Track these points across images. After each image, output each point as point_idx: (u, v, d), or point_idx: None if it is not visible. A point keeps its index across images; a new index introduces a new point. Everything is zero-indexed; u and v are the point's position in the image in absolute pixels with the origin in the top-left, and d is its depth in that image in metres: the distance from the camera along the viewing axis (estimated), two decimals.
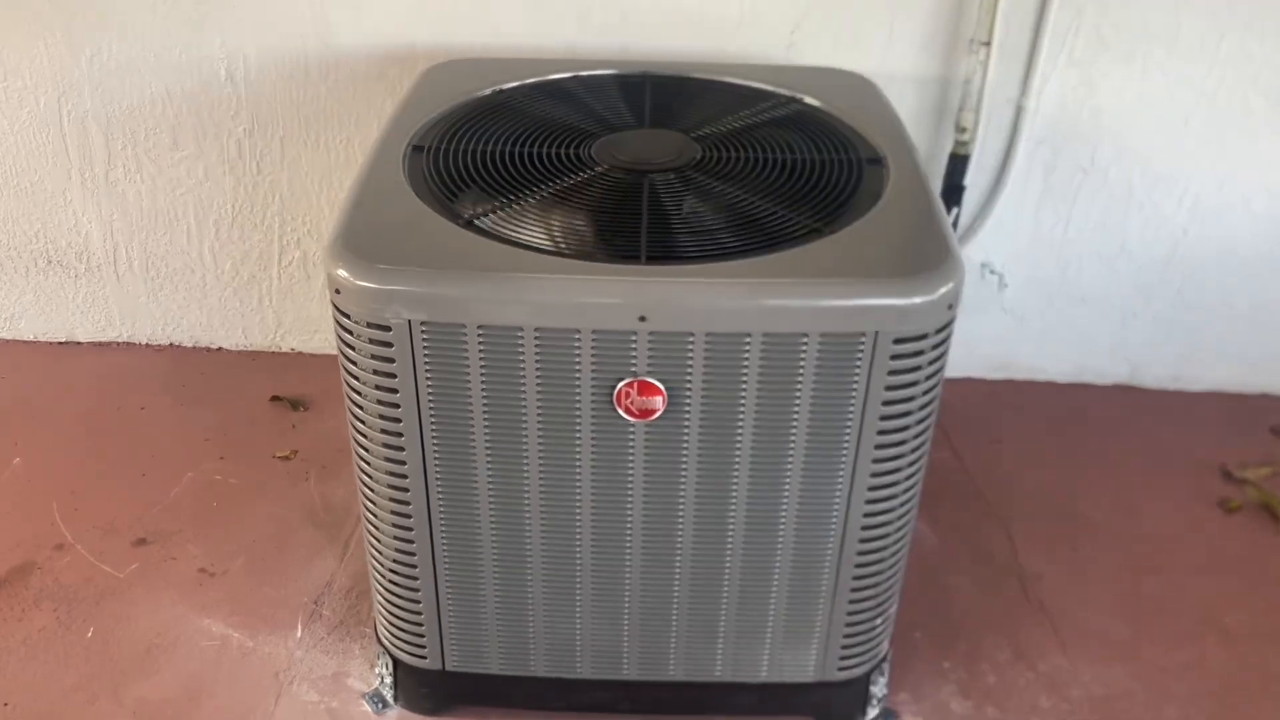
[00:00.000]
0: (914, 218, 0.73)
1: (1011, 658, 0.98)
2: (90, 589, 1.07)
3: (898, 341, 0.63)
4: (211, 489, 1.21)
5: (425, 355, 0.65)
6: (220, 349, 1.46)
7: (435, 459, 0.71)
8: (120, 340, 1.46)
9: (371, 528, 0.80)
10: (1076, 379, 1.41)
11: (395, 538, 0.78)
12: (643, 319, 0.63)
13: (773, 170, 0.78)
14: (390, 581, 0.82)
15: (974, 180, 1.19)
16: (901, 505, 0.76)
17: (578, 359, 0.66)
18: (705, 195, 0.74)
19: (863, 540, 0.75)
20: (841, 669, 0.85)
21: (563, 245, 0.67)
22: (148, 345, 1.46)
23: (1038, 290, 1.32)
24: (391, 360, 0.65)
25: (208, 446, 1.28)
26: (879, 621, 0.84)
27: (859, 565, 0.78)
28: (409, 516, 0.75)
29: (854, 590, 0.79)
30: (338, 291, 0.65)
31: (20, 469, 1.25)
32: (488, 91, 0.97)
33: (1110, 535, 1.14)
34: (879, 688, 0.89)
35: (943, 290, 0.63)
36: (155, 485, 1.22)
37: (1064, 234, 1.26)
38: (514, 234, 0.68)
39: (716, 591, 0.80)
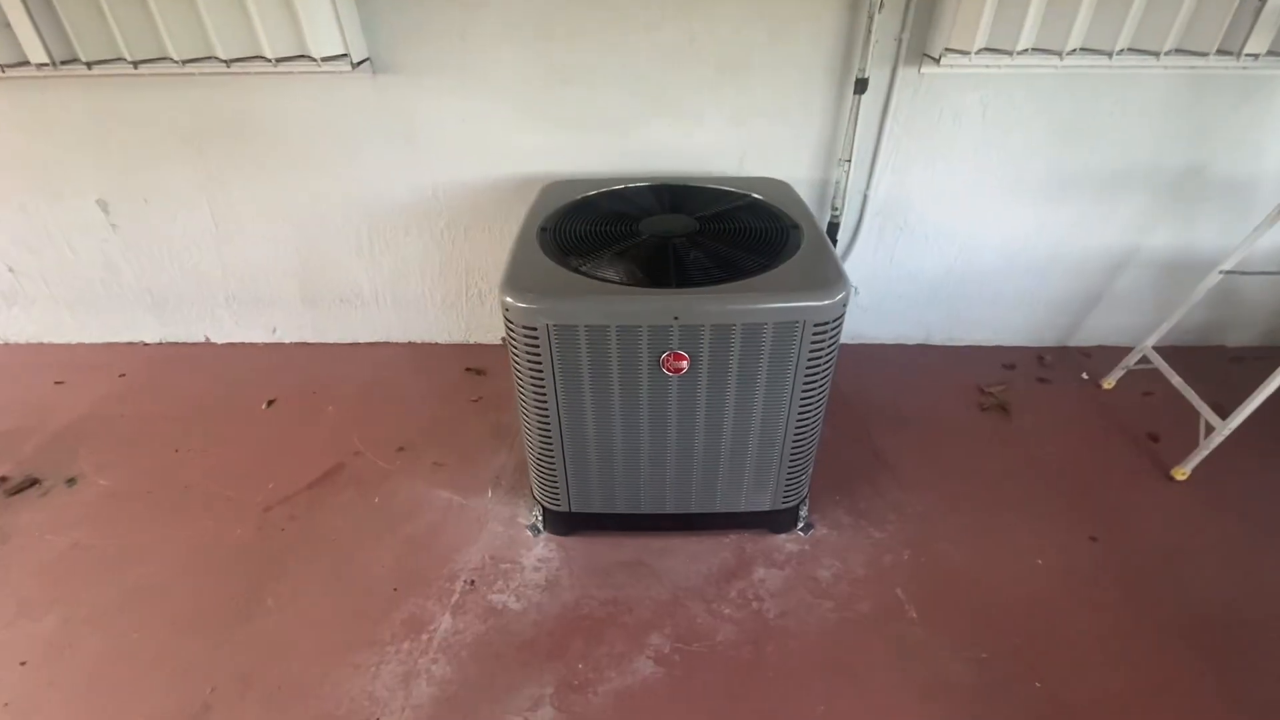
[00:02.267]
0: (819, 257, 1.36)
1: (871, 493, 1.81)
2: (375, 474, 1.91)
3: (816, 325, 1.24)
4: (437, 419, 2.10)
5: (555, 342, 1.26)
6: (437, 343, 2.44)
7: (562, 396, 1.34)
8: (382, 340, 2.45)
9: (528, 432, 1.45)
10: (895, 341, 2.39)
11: (540, 438, 1.43)
12: (676, 318, 1.23)
13: (740, 234, 1.45)
14: (539, 461, 1.50)
15: (841, 237, 2.02)
16: (816, 410, 1.41)
17: (640, 341, 1.25)
18: (704, 249, 1.39)
19: (795, 431, 1.41)
20: (784, 502, 1.58)
21: (627, 280, 1.26)
22: (396, 342, 2.45)
23: (875, 295, 2.24)
24: (538, 346, 1.25)
25: (433, 397, 2.19)
26: (804, 476, 1.56)
27: (793, 445, 1.44)
28: (549, 428, 1.40)
29: (791, 459, 1.47)
30: (507, 310, 1.24)
31: (332, 413, 2.16)
32: (579, 197, 1.64)
33: (920, 423, 2.04)
34: (803, 511, 1.66)
35: (838, 297, 1.24)
36: (408, 418, 2.11)
37: (889, 263, 2.15)
38: (600, 275, 1.27)
39: (716, 461, 1.47)
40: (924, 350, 2.35)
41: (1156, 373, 2.00)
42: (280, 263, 2.22)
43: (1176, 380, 1.90)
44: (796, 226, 1.50)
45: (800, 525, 1.65)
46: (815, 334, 1.26)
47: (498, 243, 2.18)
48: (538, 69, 1.82)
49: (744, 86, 1.83)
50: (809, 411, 1.40)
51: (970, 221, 2.08)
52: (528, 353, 1.30)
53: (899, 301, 2.26)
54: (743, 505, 1.57)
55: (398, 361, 2.32)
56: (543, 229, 1.49)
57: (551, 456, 1.48)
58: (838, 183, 1.96)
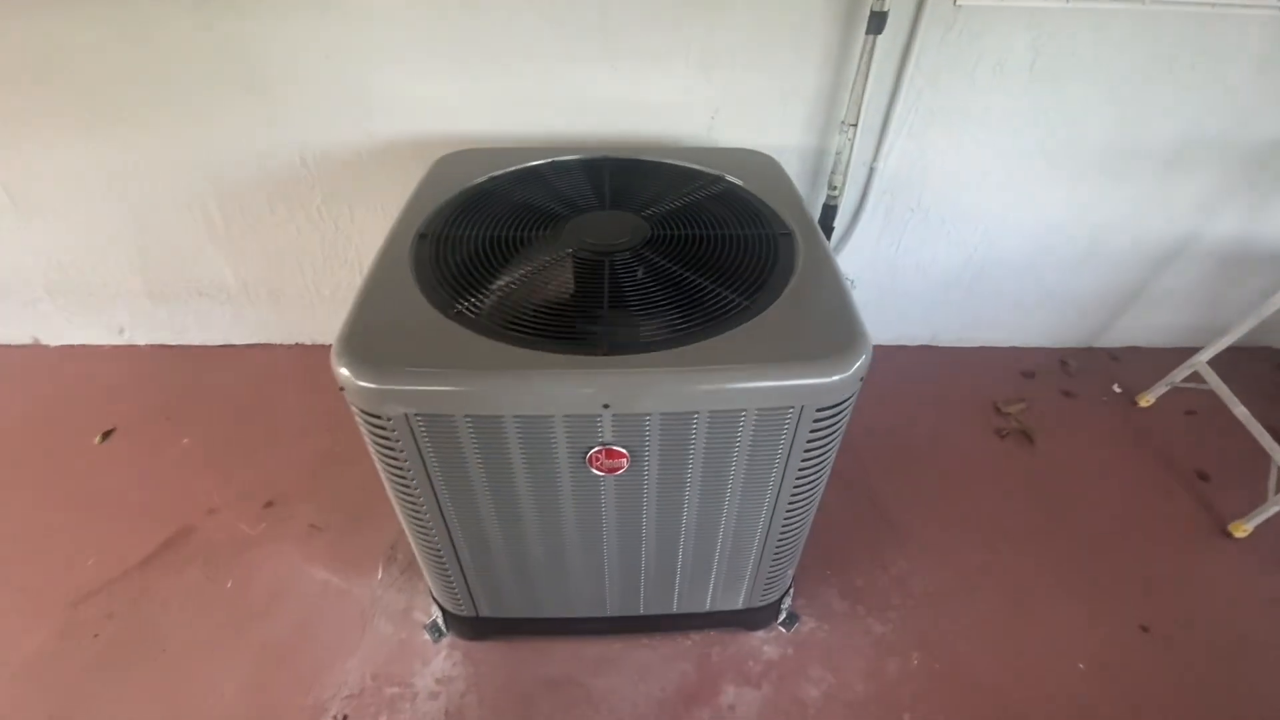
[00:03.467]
0: (824, 292, 0.89)
1: (870, 563, 1.39)
2: (231, 546, 1.43)
3: (820, 410, 0.81)
4: (322, 458, 1.63)
5: (424, 436, 0.81)
6: (331, 346, 1.79)
7: (445, 497, 0.91)
8: (262, 342, 1.94)
9: (413, 535, 1.02)
10: (896, 343, 1.98)
11: (422, 543, 1.03)
12: (606, 406, 0.78)
13: (707, 246, 0.97)
14: (433, 571, 1.09)
15: (838, 219, 1.57)
16: (809, 504, 0.99)
17: (553, 436, 0.81)
18: (654, 273, 0.92)
19: (782, 528, 1.02)
20: (762, 599, 1.19)
21: (537, 332, 0.81)
22: (282, 345, 1.94)
23: (876, 288, 1.82)
24: (396, 441, 0.82)
25: (321, 424, 1.71)
26: (789, 570, 1.18)
27: (779, 542, 1.05)
28: (430, 534, 0.99)
29: (773, 559, 1.09)
30: (342, 389, 0.77)
31: (187, 447, 1.67)
32: (481, 180, 1.16)
33: (928, 458, 1.66)
34: (787, 601, 1.27)
35: (856, 366, 0.79)
36: (284, 456, 1.63)
37: (895, 252, 1.72)
38: (496, 323, 0.82)
39: (672, 566, 1.08)
40: (929, 353, 1.96)
41: (1202, 388, 1.66)
42: (111, 247, 1.68)
43: (1241, 411, 1.55)
44: (788, 234, 1.05)
45: (782, 619, 1.28)
46: (817, 421, 0.85)
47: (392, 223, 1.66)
48: None
49: (717, 18, 1.32)
50: (800, 504, 1.00)
51: (1000, 203, 1.64)
52: (381, 450, 0.86)
53: (904, 298, 1.84)
54: (709, 606, 1.19)
55: (279, 370, 1.84)
56: (421, 235, 1.02)
57: (442, 563, 1.06)
58: (839, 153, 1.49)
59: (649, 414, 0.81)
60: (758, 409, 0.81)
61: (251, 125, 1.47)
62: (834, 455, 0.95)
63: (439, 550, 1.03)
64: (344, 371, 0.78)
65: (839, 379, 0.80)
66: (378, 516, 1.45)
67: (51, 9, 1.30)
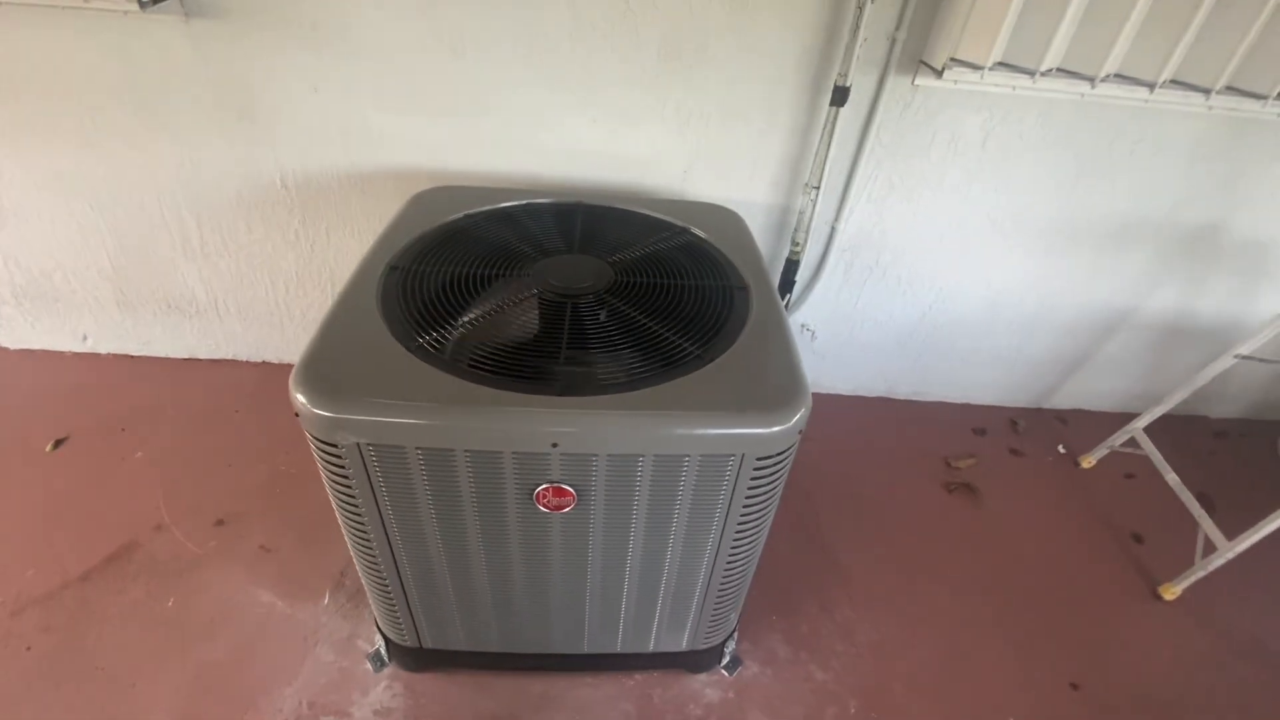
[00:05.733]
0: (772, 346, 0.94)
1: (816, 610, 1.40)
2: (177, 564, 1.40)
3: (759, 459, 0.85)
4: (276, 478, 1.61)
5: (374, 466, 0.83)
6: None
7: (393, 526, 0.92)
8: (227, 358, 1.94)
9: (360, 563, 1.03)
10: (854, 393, 2.05)
11: (369, 571, 1.03)
12: (555, 445, 0.81)
13: (667, 295, 1.02)
14: (378, 598, 1.09)
15: (800, 273, 1.64)
16: (752, 550, 1.02)
17: (502, 472, 0.84)
18: (615, 317, 0.96)
19: (724, 572, 1.04)
20: (705, 641, 1.20)
21: (495, 370, 0.85)
22: (247, 361, 1.95)
23: (834, 341, 1.89)
24: (347, 469, 0.84)
25: (279, 443, 1.70)
26: (733, 614, 1.19)
27: (721, 586, 1.07)
28: (377, 563, 0.99)
29: (715, 602, 1.11)
30: (297, 414, 0.79)
31: (140, 460, 1.64)
32: (456, 217, 1.20)
33: (879, 507, 1.70)
34: (730, 645, 1.28)
35: (795, 419, 0.83)
36: (239, 473, 1.62)
37: (854, 307, 1.80)
38: (455, 358, 0.85)
39: (616, 610, 1.10)
40: (885, 405, 2.02)
41: (1141, 453, 1.74)
42: (82, 254, 1.69)
43: (1172, 478, 1.62)
44: (744, 287, 1.11)
45: (725, 662, 1.29)
46: (757, 469, 0.88)
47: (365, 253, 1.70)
48: (417, 31, 1.34)
49: (694, 81, 1.40)
50: (742, 549, 1.03)
51: (952, 267, 1.74)
52: (333, 477, 0.88)
53: (861, 351, 1.91)
54: (652, 647, 1.20)
55: (242, 387, 1.83)
56: (392, 268, 1.06)
57: (388, 592, 1.07)
58: (802, 212, 1.57)
59: (595, 454, 0.84)
60: (700, 454, 0.85)
61: (236, 148, 1.50)
62: (775, 505, 0.99)
63: (384, 579, 1.03)
64: (300, 398, 0.81)
65: (778, 430, 0.85)
66: (329, 540, 1.44)
67: (48, 23, 1.34)
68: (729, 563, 1.03)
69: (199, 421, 1.72)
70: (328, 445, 0.83)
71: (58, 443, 1.62)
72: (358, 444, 0.82)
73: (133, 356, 1.90)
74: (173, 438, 1.67)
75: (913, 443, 1.89)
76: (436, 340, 0.90)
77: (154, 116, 1.46)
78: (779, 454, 0.87)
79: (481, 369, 0.86)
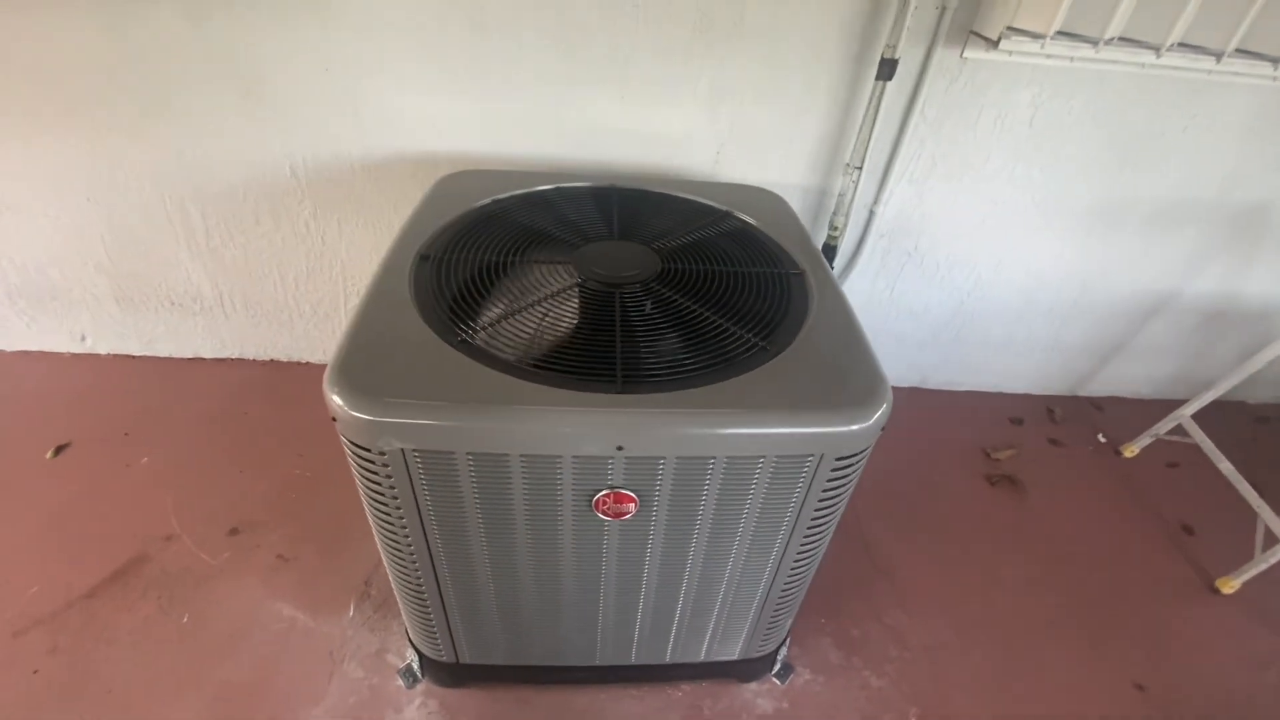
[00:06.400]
0: (841, 336, 0.88)
1: (866, 613, 1.34)
2: (190, 577, 1.32)
3: (839, 459, 0.78)
4: (292, 483, 1.53)
5: (419, 474, 0.75)
6: (308, 364, 1.86)
7: (436, 539, 0.85)
8: (234, 357, 1.85)
9: (396, 576, 0.95)
10: None
11: (406, 586, 0.94)
12: (620, 447, 0.74)
13: (719, 283, 0.94)
14: (413, 613, 1.01)
15: (835, 261, 1.56)
16: (818, 552, 0.95)
17: (559, 477, 0.76)
18: (666, 309, 0.88)
19: (787, 580, 0.98)
20: (759, 649, 1.14)
21: (545, 365, 0.77)
22: (255, 360, 1.85)
23: (869, 329, 1.68)
24: (388, 478, 0.76)
25: (292, 446, 1.62)
26: (789, 619, 1.13)
27: (781, 593, 1.00)
28: (417, 578, 0.92)
29: (775, 608, 1.04)
30: (334, 419, 0.70)
31: (146, 466, 1.55)
32: (486, 202, 1.12)
33: (920, 503, 1.63)
34: (782, 652, 1.21)
35: (877, 415, 0.76)
36: (252, 478, 1.53)
37: (889, 296, 1.72)
38: (501, 353, 0.77)
39: (669, 620, 1.03)
40: (918, 396, 1.96)
41: (1187, 441, 1.67)
42: (78, 249, 1.59)
43: (1225, 466, 1.57)
44: (800, 273, 1.04)
45: (776, 669, 1.23)
46: (835, 470, 0.81)
47: (384, 242, 1.59)
48: (435, 4, 1.25)
49: (729, 54, 1.31)
50: (809, 551, 0.96)
51: (993, 252, 1.66)
52: (371, 487, 0.80)
53: (894, 341, 1.84)
54: (704, 656, 1.14)
55: (251, 387, 1.74)
56: (423, 257, 0.98)
57: (425, 606, 0.99)
58: (842, 195, 1.49)
59: (664, 457, 0.77)
60: (777, 456, 0.78)
61: (241, 132, 1.41)
62: (846, 503, 0.92)
63: (422, 592, 0.96)
64: (337, 400, 0.73)
65: (860, 428, 0.77)
66: (352, 547, 1.36)
67: (37, 3, 1.24)
68: (794, 565, 0.96)
69: (207, 424, 1.63)
70: (366, 452, 0.75)
71: (59, 449, 1.53)
72: (402, 450, 0.74)
73: (134, 357, 1.81)
74: (180, 442, 1.58)
75: (949, 434, 1.82)
76: (479, 333, 0.83)
77: (153, 101, 1.37)
78: (860, 452, 0.80)
79: (532, 364, 0.78)
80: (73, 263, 1.62)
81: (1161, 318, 1.83)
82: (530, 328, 0.85)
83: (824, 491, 0.83)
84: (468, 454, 0.74)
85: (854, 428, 0.77)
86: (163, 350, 1.81)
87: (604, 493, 0.79)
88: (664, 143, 1.45)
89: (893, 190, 1.52)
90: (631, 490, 0.79)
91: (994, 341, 1.87)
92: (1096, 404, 2.00)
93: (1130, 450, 1.81)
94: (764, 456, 0.78)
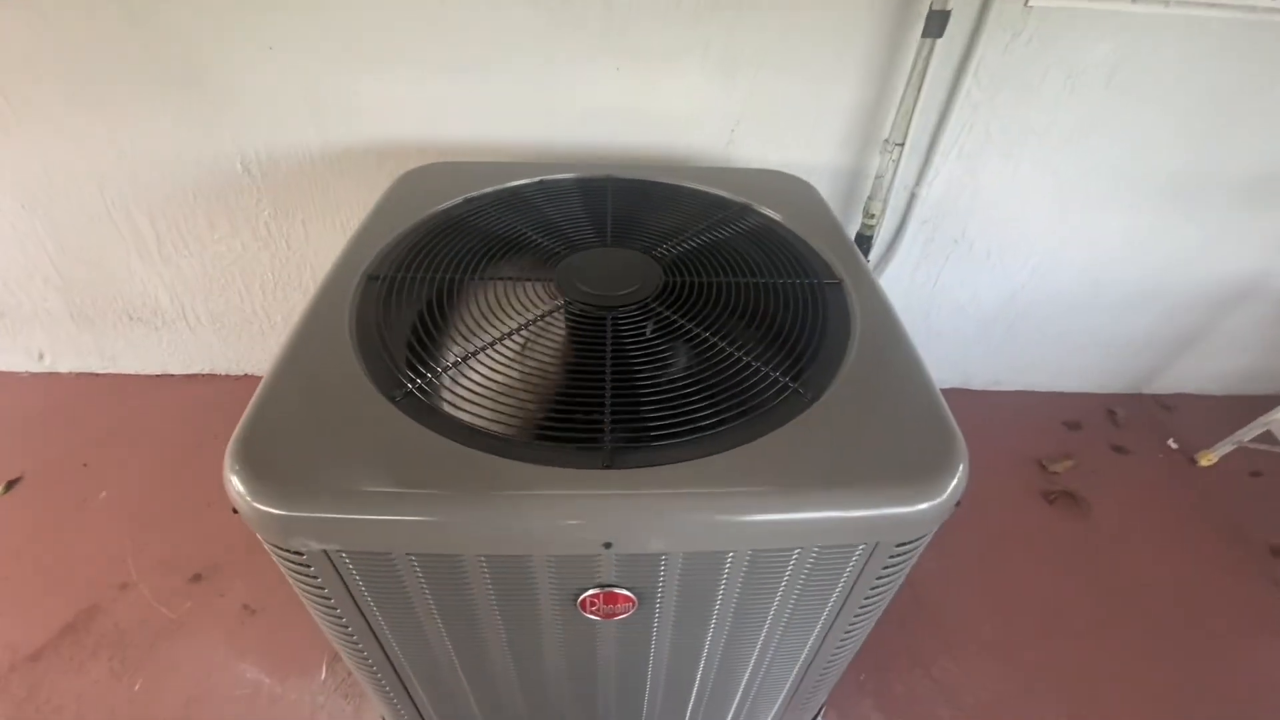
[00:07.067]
0: (895, 371, 0.68)
1: (910, 666, 1.16)
2: (146, 632, 1.18)
3: (899, 545, 0.60)
4: None
5: (352, 575, 0.59)
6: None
7: (393, 644, 0.70)
8: (204, 372, 1.70)
9: (353, 667, 0.79)
10: None
11: (371, 684, 0.80)
12: (608, 545, 0.56)
13: (737, 300, 0.76)
14: (379, 700, 0.85)
15: (871, 253, 1.36)
16: (862, 634, 0.76)
17: (532, 579, 0.60)
18: (672, 337, 0.70)
19: (825, 665, 0.80)
20: None
21: (510, 429, 0.59)
22: (227, 375, 1.70)
23: (907, 327, 1.55)
24: (316, 578, 0.60)
25: None
26: (824, 693, 0.94)
27: (818, 676, 0.83)
28: (382, 681, 0.77)
29: (811, 686, 0.86)
30: (235, 510, 0.54)
31: (104, 502, 1.39)
32: (457, 201, 0.93)
33: (969, 527, 1.41)
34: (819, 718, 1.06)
35: (951, 486, 0.56)
36: (216, 515, 1.37)
37: (932, 289, 1.51)
38: (455, 413, 0.60)
39: (683, 705, 0.87)
40: (962, 398, 1.75)
41: (1274, 450, 1.46)
42: (22, 262, 1.43)
43: None
44: (836, 283, 0.84)
45: None
46: (894, 555, 0.63)
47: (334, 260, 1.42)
48: None
49: (741, 13, 1.10)
50: (854, 637, 0.78)
51: (1053, 236, 1.43)
52: (302, 585, 0.63)
53: (936, 339, 1.63)
54: None
55: (223, 406, 1.59)
56: (371, 278, 0.80)
57: (390, 698, 0.83)
58: (879, 176, 1.27)
59: (665, 554, 0.59)
60: (818, 548, 0.60)
61: (184, 126, 1.23)
62: (903, 580, 0.74)
63: (384, 686, 0.80)
64: (238, 486, 0.55)
65: (928, 507, 0.58)
66: None
67: None
68: (836, 649, 0.78)
69: (173, 450, 1.48)
70: (288, 554, 0.58)
71: (9, 484, 1.39)
72: (325, 551, 0.57)
73: (98, 375, 1.66)
74: (143, 472, 1.43)
75: (998, 443, 1.62)
76: (431, 384, 0.65)
77: (82, 93, 1.19)
78: (923, 536, 0.62)
79: (495, 426, 0.60)
80: (17, 276, 1.47)
81: (1246, 305, 1.60)
82: (493, 373, 0.67)
83: (877, 579, 0.65)
84: (409, 555, 0.57)
85: (919, 507, 0.57)
86: (127, 367, 1.66)
87: (592, 592, 0.62)
88: (668, 122, 1.24)
89: (939, 168, 1.30)
90: (627, 589, 0.62)
91: (1049, 336, 1.65)
92: (1164, 403, 1.78)
93: (1207, 458, 1.60)
94: (800, 548, 0.59)
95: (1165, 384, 1.79)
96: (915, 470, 0.58)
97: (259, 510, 0.55)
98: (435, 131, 1.24)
